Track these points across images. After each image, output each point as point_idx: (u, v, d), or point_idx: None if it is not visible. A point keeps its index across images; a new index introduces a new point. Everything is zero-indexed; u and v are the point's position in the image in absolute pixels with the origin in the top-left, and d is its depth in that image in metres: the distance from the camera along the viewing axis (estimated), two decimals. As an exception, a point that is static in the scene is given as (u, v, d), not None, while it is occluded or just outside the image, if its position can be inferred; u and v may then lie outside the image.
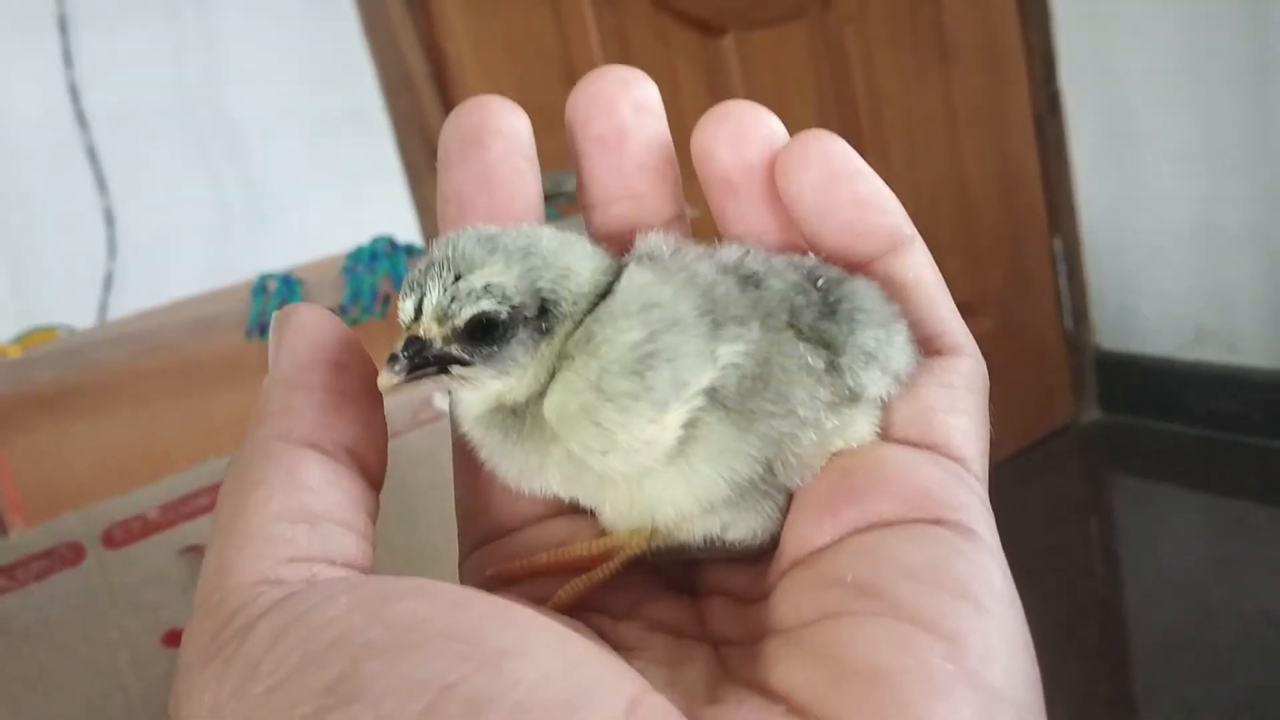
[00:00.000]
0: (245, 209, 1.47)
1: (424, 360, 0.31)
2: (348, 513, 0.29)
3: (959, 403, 0.31)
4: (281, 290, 1.04)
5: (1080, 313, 2.29)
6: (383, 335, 1.24)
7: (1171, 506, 2.05)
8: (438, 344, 0.31)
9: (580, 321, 0.31)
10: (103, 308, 1.38)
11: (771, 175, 0.32)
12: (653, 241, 0.32)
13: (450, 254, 0.31)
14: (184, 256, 1.41)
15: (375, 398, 0.31)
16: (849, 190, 0.31)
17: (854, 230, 0.32)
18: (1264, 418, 2.04)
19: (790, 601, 0.28)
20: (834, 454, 0.30)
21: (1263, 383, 2.04)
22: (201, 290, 1.21)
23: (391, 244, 1.07)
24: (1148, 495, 2.13)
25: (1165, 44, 1.99)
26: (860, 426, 0.31)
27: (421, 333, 0.31)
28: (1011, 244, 2.20)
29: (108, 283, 1.38)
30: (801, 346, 0.30)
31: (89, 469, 1.03)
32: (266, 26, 1.48)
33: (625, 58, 1.70)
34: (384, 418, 0.31)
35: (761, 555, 0.31)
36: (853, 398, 0.31)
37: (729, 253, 0.32)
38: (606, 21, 1.70)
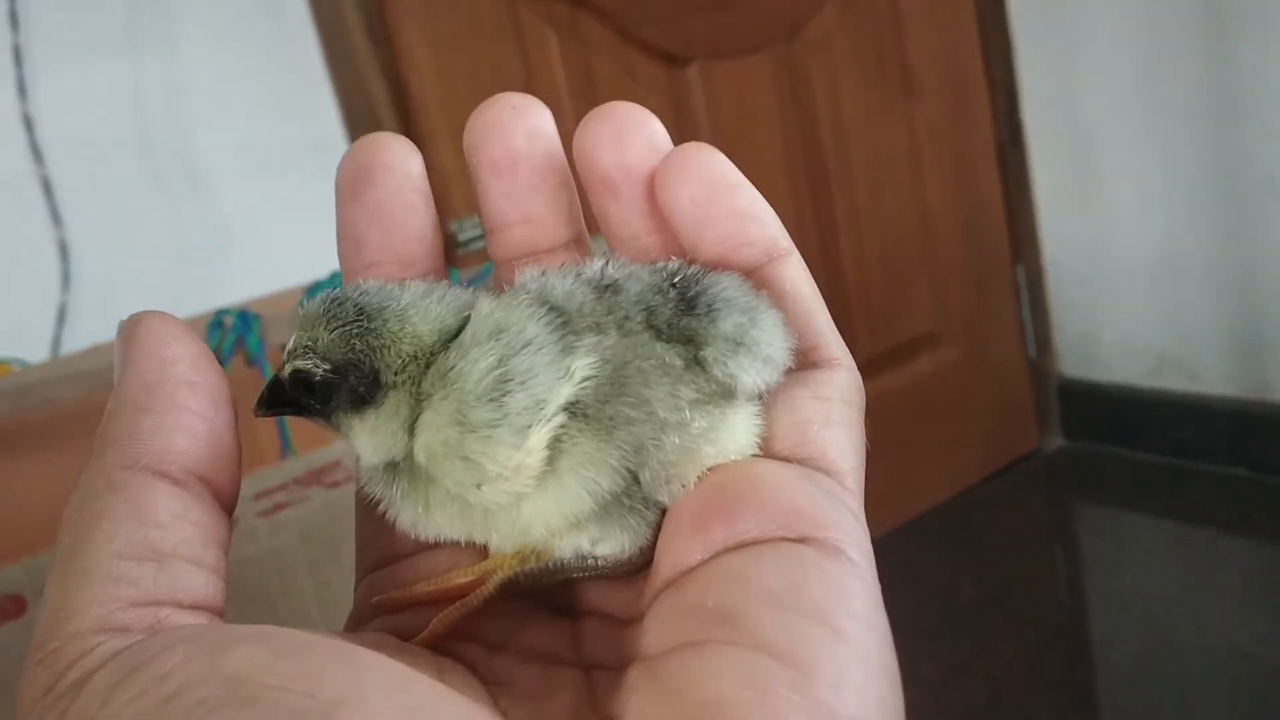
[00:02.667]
0: (203, 241, 1.45)
1: (278, 399, 0.32)
2: (197, 548, 0.27)
3: (835, 415, 0.30)
4: (238, 325, 1.02)
5: (1043, 342, 2.30)
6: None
7: (1136, 534, 2.06)
8: (287, 389, 0.31)
9: (431, 363, 0.31)
10: (56, 342, 1.35)
11: (651, 179, 0.32)
12: (527, 274, 0.32)
13: (305, 309, 0.32)
14: (140, 290, 1.39)
15: (226, 418, 0.29)
16: (727, 202, 0.31)
17: (732, 241, 0.32)
18: (1225, 445, 2.06)
19: (657, 627, 0.27)
20: (710, 469, 0.29)
21: (1223, 411, 2.06)
22: (158, 325, 1.19)
23: (351, 280, 1.06)
24: (1112, 523, 2.14)
25: (1126, 78, 2.01)
26: (738, 433, 0.30)
27: (283, 375, 0.31)
28: (975, 274, 2.21)
29: (61, 316, 1.36)
30: (659, 346, 0.30)
31: (38, 511, 1.01)
32: (227, 57, 1.47)
33: (590, 89, 1.70)
34: (237, 439, 0.30)
35: (637, 573, 0.30)
36: (726, 393, 0.30)
37: (592, 266, 0.32)
38: (571, 53, 1.70)
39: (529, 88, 1.64)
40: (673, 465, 0.29)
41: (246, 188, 1.47)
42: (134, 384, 0.28)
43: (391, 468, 0.31)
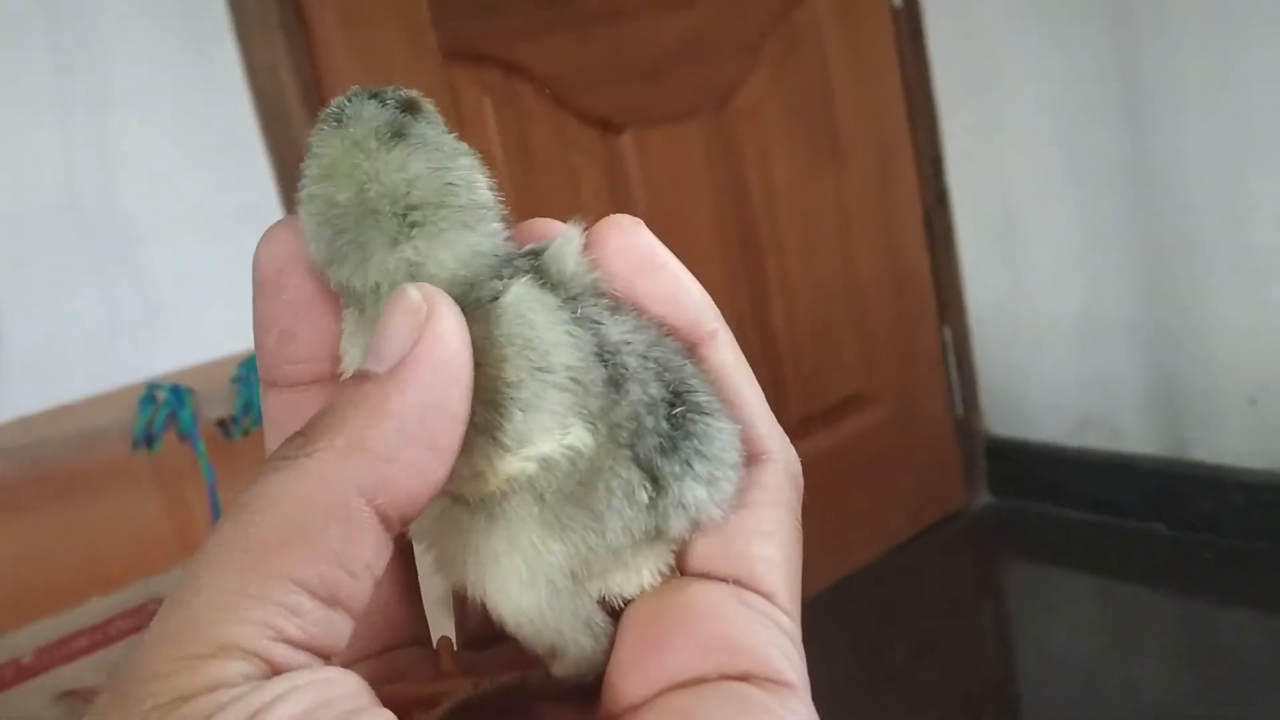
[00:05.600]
0: (135, 310, 1.43)
1: None
2: (363, 603, 0.24)
3: (763, 524, 0.29)
4: (170, 400, 1.01)
5: (970, 401, 2.35)
6: (276, 445, 1.22)
7: (1062, 590, 2.10)
8: None
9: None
10: (-18, 410, 1.33)
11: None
12: (567, 248, 0.30)
13: None
14: (70, 360, 1.37)
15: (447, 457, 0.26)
16: (648, 286, 0.30)
17: (663, 323, 0.30)
18: (1146, 503, 2.11)
19: None
20: (641, 592, 0.29)
21: (1143, 469, 2.11)
22: (88, 394, 1.18)
23: (286, 353, 1.06)
24: (1038, 579, 2.18)
25: (1048, 144, 2.08)
26: (661, 556, 0.29)
27: None
28: (903, 335, 2.25)
29: (-13, 386, 1.34)
30: (636, 474, 0.28)
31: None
32: (160, 124, 1.46)
33: (525, 155, 1.72)
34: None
35: (591, 693, 0.29)
36: (657, 535, 0.29)
37: (618, 326, 0.29)
38: (507, 119, 1.72)
39: (465, 154, 1.66)
40: (616, 584, 0.29)
41: (179, 255, 1.45)
42: (415, 397, 0.25)
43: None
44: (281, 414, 0.31)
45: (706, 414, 0.29)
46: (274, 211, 1.51)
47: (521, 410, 0.27)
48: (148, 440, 1.00)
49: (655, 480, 0.28)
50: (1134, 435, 2.13)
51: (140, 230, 1.44)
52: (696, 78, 1.95)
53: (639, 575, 0.29)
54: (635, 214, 0.31)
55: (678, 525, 0.29)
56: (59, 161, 1.40)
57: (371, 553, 0.24)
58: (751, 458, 0.30)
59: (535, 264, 0.29)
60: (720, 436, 0.29)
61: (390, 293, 0.27)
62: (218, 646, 0.21)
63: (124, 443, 1.01)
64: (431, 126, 0.30)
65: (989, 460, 2.37)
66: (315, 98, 1.54)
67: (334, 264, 0.29)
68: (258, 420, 1.04)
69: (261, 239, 0.30)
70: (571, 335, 0.28)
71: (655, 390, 0.29)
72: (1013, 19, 2.06)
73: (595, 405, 0.28)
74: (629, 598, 0.29)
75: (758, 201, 2.02)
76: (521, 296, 0.28)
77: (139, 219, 1.44)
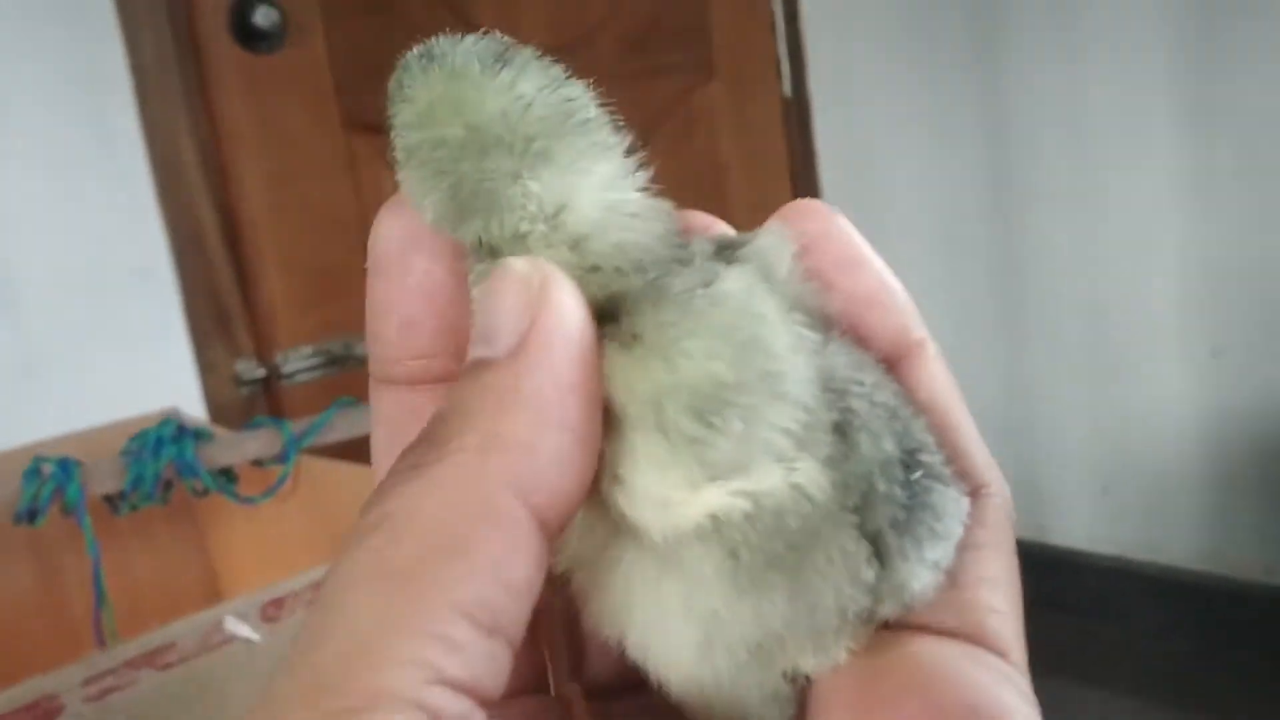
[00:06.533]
0: (17, 370, 1.40)
1: None
2: (521, 629, 0.20)
3: (990, 569, 0.25)
4: (57, 474, 1.00)
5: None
6: (167, 522, 1.21)
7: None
8: None
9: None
10: None
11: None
12: (781, 249, 0.25)
13: None
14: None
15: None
16: (847, 285, 0.25)
17: (856, 333, 0.25)
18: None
19: None
20: (859, 645, 0.24)
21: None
22: (-37, 458, 1.15)
23: (179, 428, 1.06)
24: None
25: (923, 235, 2.17)
26: (860, 639, 0.24)
27: None
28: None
29: None
30: (861, 546, 0.23)
31: None
32: (52, 179, 1.44)
33: (422, 226, 1.74)
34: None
35: None
36: (867, 619, 0.23)
37: (840, 356, 0.24)
38: (405, 190, 1.74)
39: (362, 222, 1.67)
40: (806, 665, 0.24)
41: (65, 314, 1.43)
42: (548, 377, 0.21)
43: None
44: (398, 414, 0.26)
45: (941, 481, 0.24)
46: (166, 274, 1.50)
47: (742, 421, 0.21)
48: (30, 515, 0.98)
49: (880, 556, 0.23)
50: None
51: (25, 287, 1.41)
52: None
53: (835, 657, 0.23)
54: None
55: (890, 610, 0.23)
56: (-57, 216, 1.37)
57: (533, 565, 0.20)
58: (972, 490, 0.25)
59: (734, 257, 0.24)
60: (953, 510, 0.24)
61: (538, 239, 0.23)
62: (371, 696, 0.18)
63: (5, 517, 0.99)
64: (535, 56, 0.24)
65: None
66: (214, 163, 1.54)
67: (462, 219, 0.24)
68: (147, 497, 1.04)
69: (381, 214, 0.26)
70: (807, 352, 0.23)
71: (889, 446, 0.23)
72: (895, 112, 2.16)
73: (822, 452, 0.22)
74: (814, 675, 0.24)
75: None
76: (751, 287, 0.23)
77: (23, 275, 1.41)
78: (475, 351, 0.22)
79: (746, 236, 0.25)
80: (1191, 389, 1.89)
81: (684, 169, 2.12)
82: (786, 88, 2.26)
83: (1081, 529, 2.12)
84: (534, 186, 0.23)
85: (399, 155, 0.24)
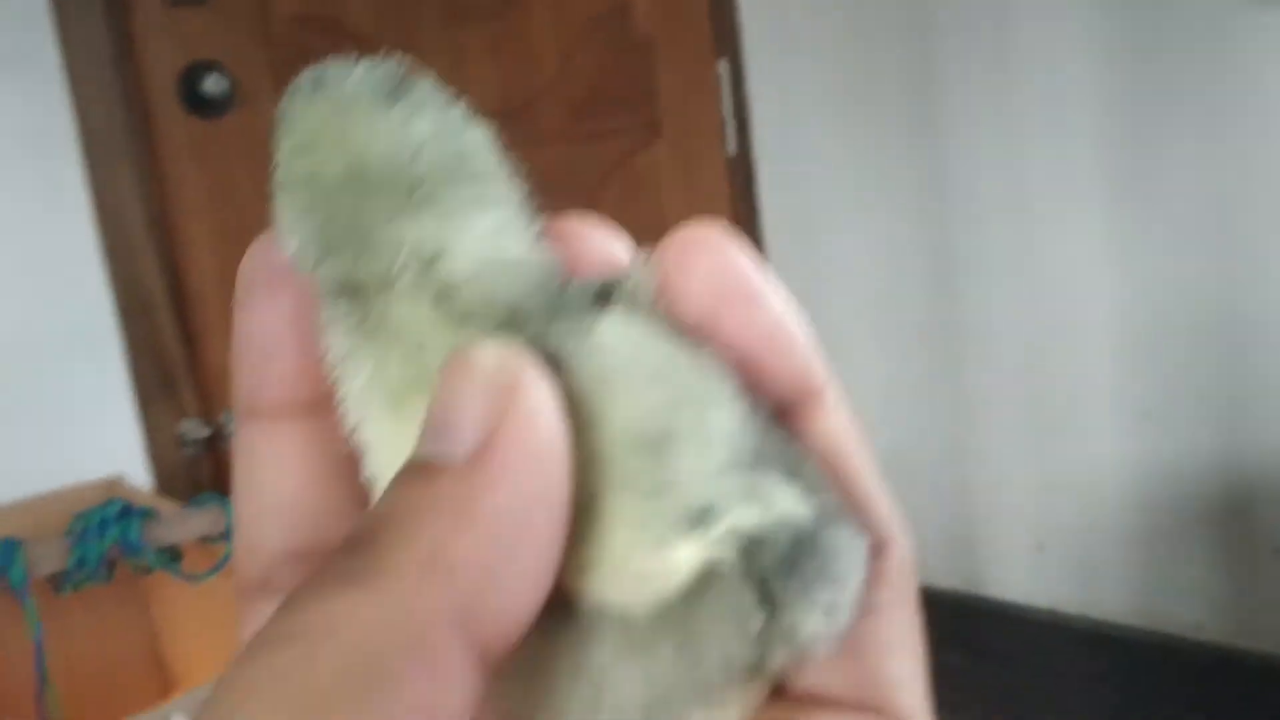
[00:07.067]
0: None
1: None
2: None
3: (894, 633, 0.23)
4: (1, 555, 1.00)
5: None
6: (111, 599, 1.20)
7: None
8: None
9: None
10: None
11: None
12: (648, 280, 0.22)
13: None
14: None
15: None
16: (738, 323, 0.22)
17: (748, 376, 0.22)
18: (944, 634, 2.23)
19: None
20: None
21: (941, 602, 2.24)
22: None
23: (124, 508, 1.06)
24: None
25: (863, 295, 2.21)
26: (753, 694, 0.22)
27: None
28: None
29: None
30: (749, 593, 0.20)
31: None
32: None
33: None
34: None
35: None
36: (754, 671, 0.21)
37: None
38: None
39: (309, 284, 1.68)
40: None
41: (7, 377, 1.41)
42: (512, 493, 0.18)
43: None
44: (259, 448, 0.24)
45: (834, 520, 0.21)
46: (110, 337, 1.49)
47: (697, 455, 0.20)
48: (-28, 595, 0.98)
49: (769, 603, 0.20)
50: (934, 570, 2.26)
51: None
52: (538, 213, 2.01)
53: (726, 716, 0.21)
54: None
55: (777, 660, 0.21)
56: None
57: (464, 704, 0.17)
58: (873, 548, 0.23)
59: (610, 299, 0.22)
60: (847, 552, 0.21)
61: (407, 284, 0.21)
62: None
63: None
64: (435, 91, 0.22)
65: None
66: (161, 227, 1.54)
67: (327, 257, 0.22)
68: (91, 576, 1.04)
69: (252, 246, 0.24)
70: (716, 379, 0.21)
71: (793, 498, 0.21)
72: (838, 173, 2.21)
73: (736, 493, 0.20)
74: None
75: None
76: (638, 330, 0.21)
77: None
78: (426, 445, 0.19)
79: (624, 271, 0.23)
80: (1123, 449, 1.94)
81: (630, 227, 2.13)
82: (731, 147, 2.30)
83: (1017, 583, 2.16)
84: (412, 231, 0.21)
85: (274, 184, 0.22)
